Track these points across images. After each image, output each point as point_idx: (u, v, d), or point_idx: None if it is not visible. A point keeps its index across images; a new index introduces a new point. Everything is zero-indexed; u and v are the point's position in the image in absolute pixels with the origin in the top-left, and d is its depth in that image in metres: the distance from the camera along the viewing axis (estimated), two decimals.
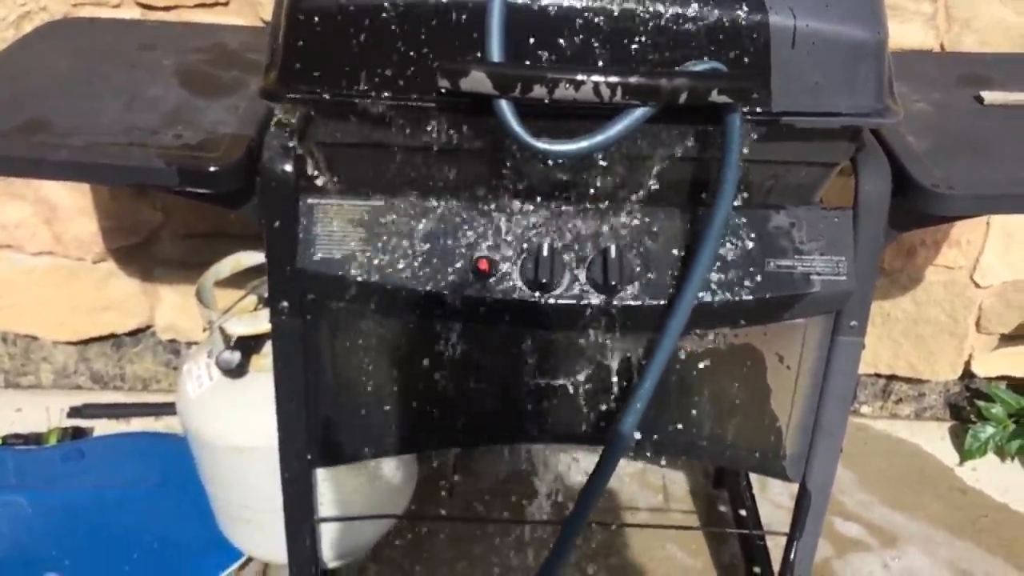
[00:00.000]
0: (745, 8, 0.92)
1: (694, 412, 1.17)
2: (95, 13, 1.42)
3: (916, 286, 1.72)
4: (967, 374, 1.85)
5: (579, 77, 0.87)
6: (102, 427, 1.77)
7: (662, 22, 0.91)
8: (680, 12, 0.91)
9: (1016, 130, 1.14)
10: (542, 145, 0.90)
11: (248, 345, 1.24)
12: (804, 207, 1.07)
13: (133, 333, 1.79)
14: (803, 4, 0.93)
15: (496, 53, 0.89)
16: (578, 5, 0.90)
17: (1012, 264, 1.69)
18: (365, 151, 1.01)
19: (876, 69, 0.97)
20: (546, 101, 0.88)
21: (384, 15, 0.91)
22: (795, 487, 1.22)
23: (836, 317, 1.11)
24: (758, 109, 0.95)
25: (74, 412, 1.78)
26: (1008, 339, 1.79)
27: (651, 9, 0.91)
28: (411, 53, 0.92)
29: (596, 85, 0.87)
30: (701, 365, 1.13)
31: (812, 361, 1.14)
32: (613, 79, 0.88)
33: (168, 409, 1.79)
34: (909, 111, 1.16)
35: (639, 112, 0.90)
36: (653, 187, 1.03)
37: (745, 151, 0.97)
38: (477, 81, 0.88)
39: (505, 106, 0.89)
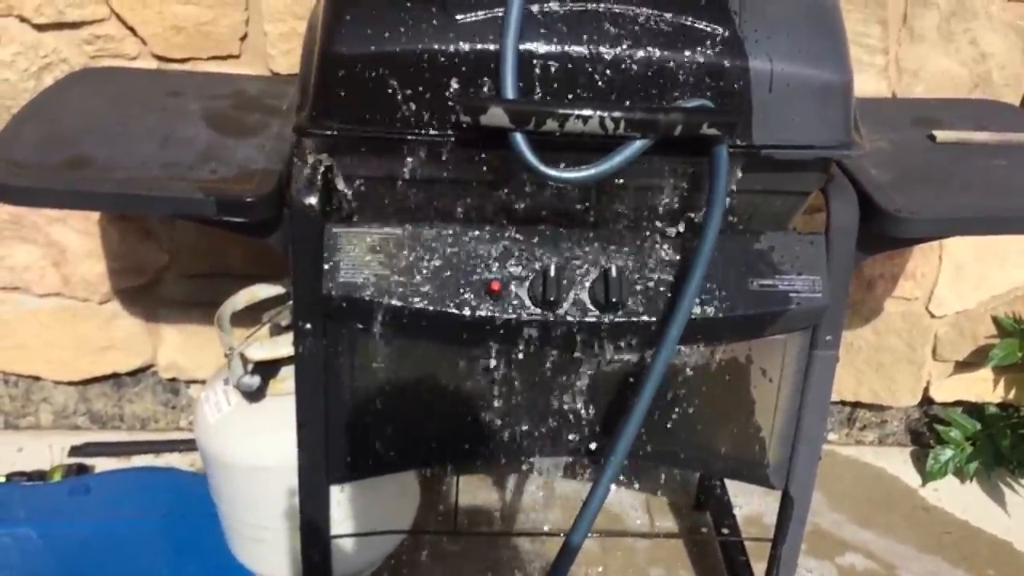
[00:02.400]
0: (728, 54, 1.04)
1: (683, 424, 1.27)
2: (113, 65, 1.51)
3: (876, 317, 1.85)
4: (926, 400, 1.97)
5: (587, 112, 0.99)
6: (103, 465, 1.82)
7: (656, 65, 1.03)
8: (671, 56, 1.03)
9: (966, 163, 1.27)
10: (555, 173, 1.01)
11: (266, 370, 1.32)
12: (781, 232, 1.19)
13: (134, 373, 1.85)
14: (779, 50, 1.06)
15: (510, 92, 1.00)
16: (580, 52, 1.02)
17: (963, 295, 1.83)
18: (386, 183, 1.11)
19: (843, 107, 1.10)
20: (557, 134, 1.00)
21: (407, 60, 1.01)
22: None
23: (813, 333, 1.22)
24: (740, 142, 1.07)
25: (76, 450, 1.83)
26: (963, 366, 1.92)
27: (645, 54, 1.03)
28: (431, 94, 1.03)
29: (602, 119, 0.99)
30: (689, 379, 1.24)
31: (792, 374, 1.25)
32: (617, 114, 0.99)
33: (168, 447, 1.85)
34: (872, 149, 1.30)
35: (639, 143, 1.01)
36: (648, 213, 1.14)
37: (732, 186, 1.09)
38: (495, 116, 0.99)
39: (520, 138, 1.00)
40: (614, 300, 1.12)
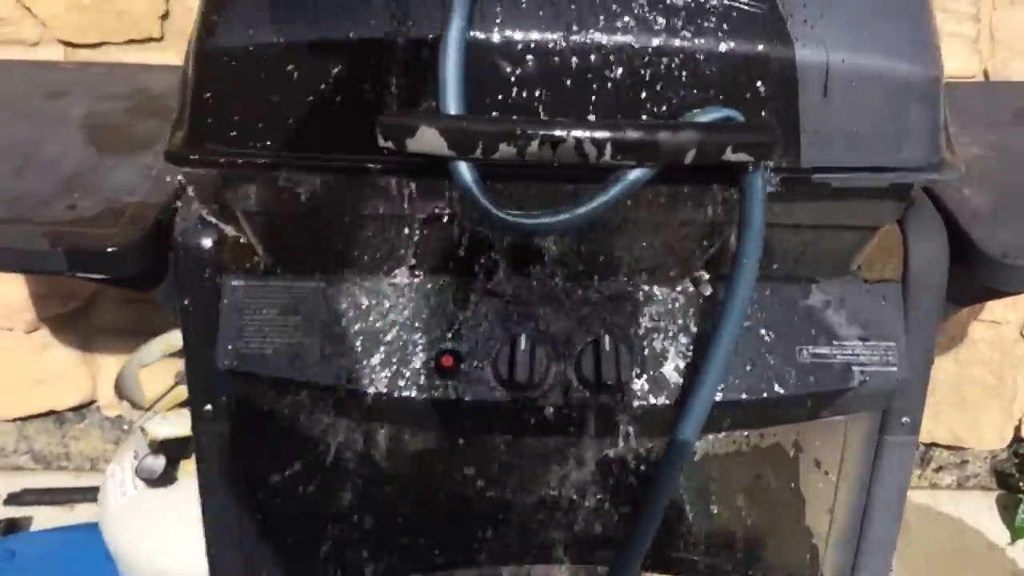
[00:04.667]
0: (766, 39, 0.73)
1: (710, 528, 0.97)
2: (10, 52, 1.24)
3: (958, 344, 1.52)
4: (1017, 440, 1.64)
5: (557, 133, 0.68)
6: (43, 515, 1.57)
7: (662, 59, 0.72)
8: (684, 46, 0.72)
9: None
10: (512, 218, 0.71)
11: (176, 448, 1.05)
12: (841, 280, 0.88)
13: (77, 408, 1.60)
14: (837, 34, 0.74)
15: (453, 103, 0.70)
16: (557, 40, 0.71)
17: None
18: (300, 222, 0.83)
19: (929, 113, 0.78)
20: (517, 163, 0.70)
21: (310, 57, 0.72)
22: None
23: (884, 413, 0.91)
24: (784, 164, 0.76)
25: (12, 499, 1.59)
26: None
27: (648, 42, 0.72)
28: (345, 104, 0.73)
29: (579, 142, 0.68)
30: (717, 472, 0.94)
31: (855, 466, 0.94)
32: (601, 134, 0.68)
33: None
34: (964, 158, 0.97)
35: (635, 175, 0.71)
36: (656, 260, 0.84)
37: (772, 220, 0.79)
38: (428, 141, 0.69)
39: (465, 170, 0.70)
40: (609, 379, 0.82)
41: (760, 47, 0.73)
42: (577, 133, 0.68)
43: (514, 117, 0.71)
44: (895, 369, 0.86)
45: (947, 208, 0.87)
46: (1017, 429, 1.62)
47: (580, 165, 0.69)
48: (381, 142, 0.70)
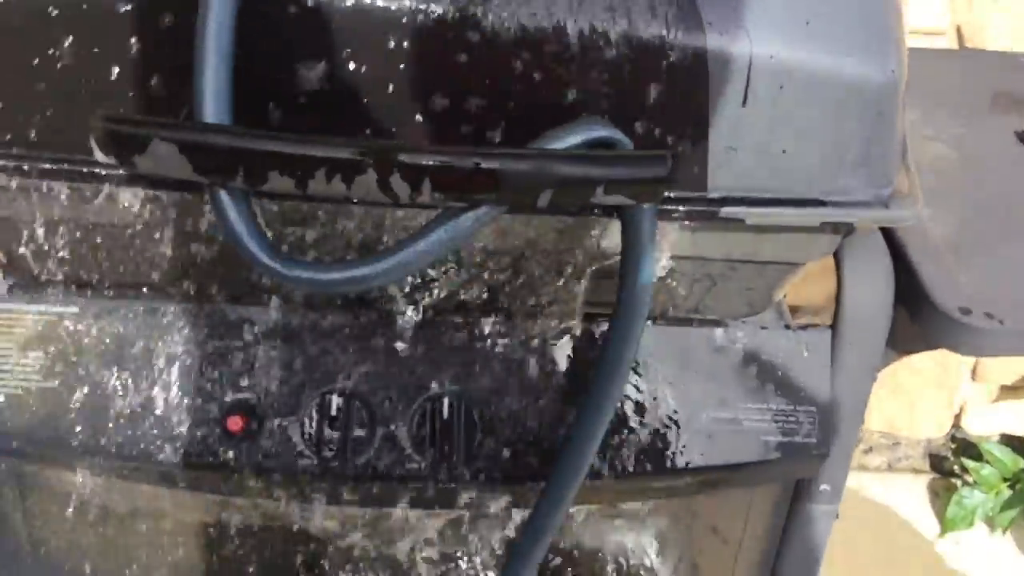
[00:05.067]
0: (665, 23, 0.52)
1: None
2: None
3: None
4: (955, 428, 1.50)
5: (351, 156, 0.47)
6: None
7: (521, 48, 0.51)
8: (552, 27, 0.51)
9: None
10: (287, 271, 0.51)
11: None
12: (757, 327, 0.69)
13: None
14: (767, 21, 0.54)
15: (210, 107, 0.49)
16: (382, 7, 0.50)
17: None
18: (36, 226, 0.61)
19: (883, 128, 0.58)
20: (297, 196, 0.49)
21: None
22: None
23: (800, 480, 0.74)
24: (685, 196, 0.56)
25: None
26: (1010, 390, 1.44)
27: (503, 24, 0.51)
28: (71, 92, 0.51)
29: (384, 174, 0.47)
30: (591, 542, 0.76)
31: (761, 532, 0.77)
32: (415, 161, 0.48)
33: None
34: (920, 157, 0.78)
35: (468, 219, 0.50)
36: (509, 298, 0.64)
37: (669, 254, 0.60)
38: (164, 160, 0.48)
39: (227, 201, 0.49)
40: (447, 448, 0.64)
41: (659, 32, 0.52)
42: (382, 160, 0.47)
43: (292, 133, 0.49)
44: (814, 441, 0.68)
45: (896, 238, 0.68)
46: (957, 418, 1.48)
47: (389, 205, 0.49)
48: (100, 155, 0.49)
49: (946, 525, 1.46)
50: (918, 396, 1.42)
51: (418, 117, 0.51)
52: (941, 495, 1.52)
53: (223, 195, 0.49)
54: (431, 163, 0.48)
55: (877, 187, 0.58)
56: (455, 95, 0.51)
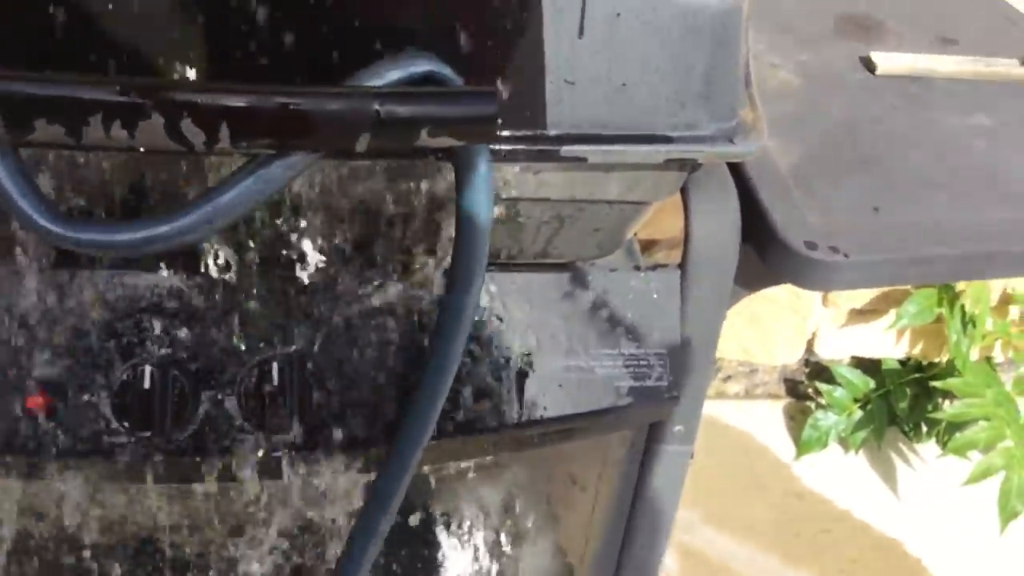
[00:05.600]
0: None
1: (444, 557, 0.78)
2: None
3: None
4: (808, 352, 1.53)
5: (131, 100, 0.41)
6: None
7: None
8: None
9: (924, 122, 0.75)
10: (71, 233, 0.44)
11: None
12: (606, 270, 0.66)
13: None
14: None
15: None
16: None
17: None
18: None
19: (725, 57, 0.55)
20: (72, 145, 0.42)
21: None
22: None
23: (653, 424, 0.72)
24: (522, 135, 0.52)
25: None
26: (859, 314, 1.47)
27: None
28: None
29: (173, 118, 0.42)
30: (448, 495, 0.73)
31: (617, 479, 0.75)
32: (210, 102, 0.42)
33: None
34: (766, 87, 0.76)
35: (276, 169, 0.45)
36: (347, 251, 0.59)
37: (507, 194, 0.56)
38: None
39: None
40: (279, 420, 0.59)
41: None
42: (168, 101, 0.42)
43: (64, 74, 0.43)
44: (666, 383, 0.66)
45: (743, 172, 0.66)
46: (810, 343, 1.51)
47: (185, 153, 0.43)
48: None
49: (801, 448, 1.50)
50: (773, 324, 1.45)
51: (211, 52, 0.45)
52: (797, 419, 1.56)
53: None
54: (228, 104, 0.42)
55: (721, 120, 0.56)
56: (257, 24, 0.45)
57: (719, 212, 0.65)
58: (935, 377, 1.44)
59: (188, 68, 0.45)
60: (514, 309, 0.64)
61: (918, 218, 0.66)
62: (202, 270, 0.59)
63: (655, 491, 0.75)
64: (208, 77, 0.46)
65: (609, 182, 0.59)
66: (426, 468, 0.71)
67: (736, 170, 0.66)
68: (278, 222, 0.57)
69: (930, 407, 1.48)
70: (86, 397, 0.58)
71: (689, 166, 0.60)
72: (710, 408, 1.56)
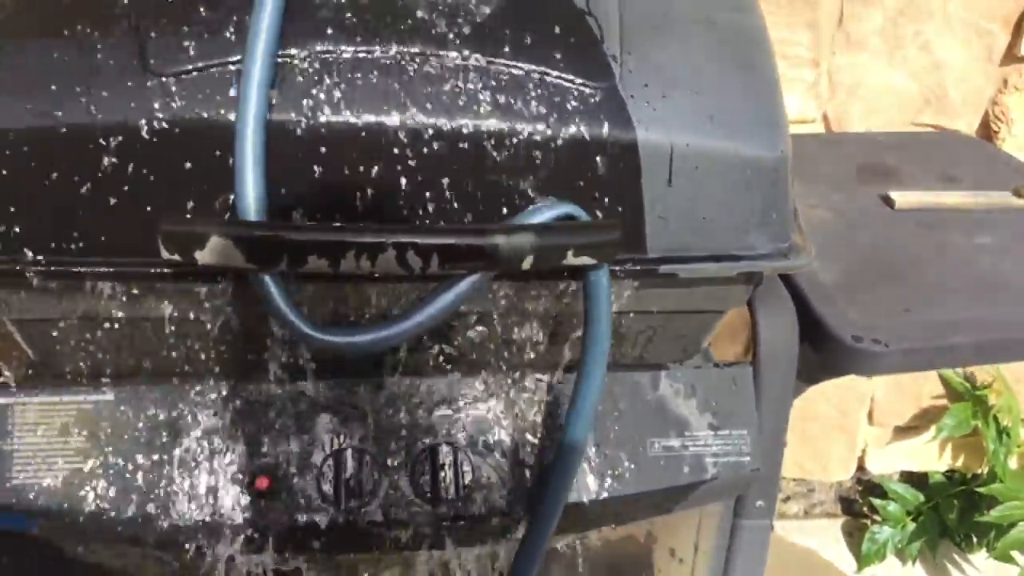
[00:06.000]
0: (605, 124, 0.66)
1: None
2: None
3: None
4: (860, 470, 1.66)
5: (375, 241, 0.59)
6: None
7: (494, 144, 0.64)
8: (516, 132, 0.65)
9: (938, 244, 0.92)
10: (326, 337, 0.62)
11: None
12: (692, 367, 0.82)
13: None
14: (680, 116, 0.68)
15: (252, 206, 0.60)
16: (376, 124, 0.62)
17: None
18: (76, 327, 0.71)
19: (777, 195, 0.73)
20: (330, 273, 0.60)
21: (69, 143, 0.61)
22: None
23: (738, 499, 0.87)
24: (630, 256, 0.70)
25: None
26: (903, 431, 1.61)
27: (479, 126, 0.64)
28: (118, 198, 0.62)
29: (401, 252, 0.60)
30: (568, 570, 0.87)
31: (710, 552, 0.89)
32: (427, 242, 0.60)
33: None
34: (809, 221, 0.94)
35: (465, 284, 0.63)
36: (497, 356, 0.76)
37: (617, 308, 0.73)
38: (222, 253, 0.59)
39: (270, 283, 0.61)
40: (447, 492, 0.74)
41: (600, 132, 0.66)
42: (399, 241, 0.60)
43: (324, 225, 0.61)
44: (748, 459, 0.81)
45: (796, 286, 0.83)
46: (860, 460, 1.64)
47: (404, 276, 0.61)
48: (165, 253, 0.60)
49: (863, 561, 1.60)
50: (825, 443, 1.58)
51: (421, 211, 0.64)
52: (855, 534, 1.67)
53: (268, 280, 0.61)
54: (437, 241, 0.60)
55: (777, 242, 0.73)
56: (451, 179, 0.64)
57: (780, 317, 0.81)
58: (979, 485, 1.56)
59: (401, 216, 0.64)
60: (620, 401, 0.80)
61: (941, 316, 0.82)
62: (377, 377, 0.76)
63: (743, 560, 0.88)
64: (415, 223, 0.64)
65: (692, 296, 0.76)
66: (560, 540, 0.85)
67: (789, 284, 0.84)
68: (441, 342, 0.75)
69: (977, 515, 1.58)
70: (294, 481, 0.74)
71: (755, 280, 0.77)
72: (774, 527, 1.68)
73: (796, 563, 1.64)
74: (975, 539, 1.61)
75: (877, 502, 1.61)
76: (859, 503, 1.71)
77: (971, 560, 1.63)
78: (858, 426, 1.57)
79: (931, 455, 1.62)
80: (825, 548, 1.67)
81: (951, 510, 1.59)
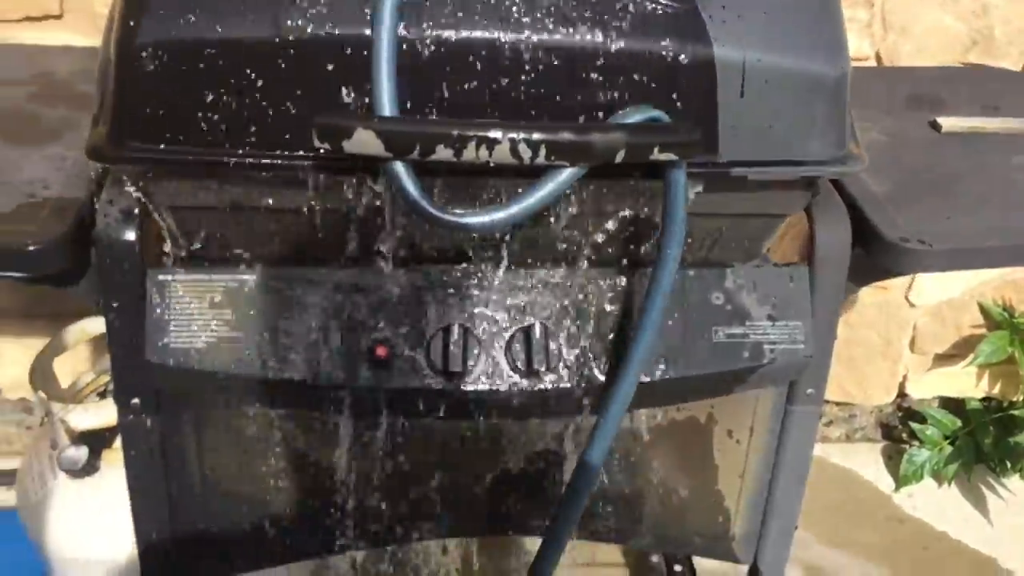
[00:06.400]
0: (686, 41, 0.76)
1: (632, 497, 1.02)
2: None
3: (849, 308, 1.61)
4: (900, 396, 1.75)
5: (493, 135, 0.70)
6: None
7: (586, 61, 0.74)
8: (608, 47, 0.74)
9: (980, 163, 1.01)
10: (451, 218, 0.73)
11: (98, 437, 1.04)
12: (753, 265, 0.92)
13: None
14: (753, 35, 0.78)
15: (387, 105, 0.71)
16: (487, 39, 0.73)
17: (946, 282, 1.59)
18: (227, 215, 0.82)
19: (837, 109, 0.82)
20: (453, 163, 0.71)
21: (240, 54, 0.72)
22: None
23: (790, 386, 0.97)
24: (704, 160, 0.80)
25: None
26: (943, 358, 1.70)
27: (575, 42, 0.74)
28: (276, 101, 0.73)
29: (514, 144, 0.70)
30: (638, 446, 0.98)
31: (764, 434, 1.00)
32: (536, 136, 0.70)
33: None
34: (863, 143, 1.03)
35: (566, 174, 0.73)
36: (579, 251, 0.87)
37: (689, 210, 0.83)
38: (365, 143, 0.70)
39: (402, 170, 0.72)
40: (538, 365, 0.86)
41: (682, 47, 0.76)
42: (513, 135, 0.70)
43: (450, 119, 0.72)
44: (802, 347, 0.91)
45: (850, 195, 0.93)
46: (901, 386, 1.73)
47: (513, 165, 0.71)
48: (317, 143, 0.71)
49: (900, 481, 1.70)
50: (868, 368, 1.67)
51: (524, 100, 0.74)
52: (894, 458, 1.76)
53: (399, 166, 0.71)
54: (546, 136, 0.71)
55: (836, 149, 0.83)
56: (551, 88, 0.74)
57: (835, 221, 0.91)
58: (1014, 410, 1.65)
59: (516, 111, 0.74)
60: (690, 294, 0.90)
61: (979, 223, 0.92)
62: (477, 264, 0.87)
63: (793, 443, 0.99)
64: (538, 122, 0.74)
65: (757, 199, 0.86)
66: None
67: (844, 194, 0.93)
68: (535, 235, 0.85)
69: (1012, 441, 1.67)
70: (406, 351, 0.85)
71: (814, 187, 0.87)
72: (816, 450, 1.78)
73: (837, 481, 1.74)
74: (1009, 464, 1.70)
75: (916, 426, 1.70)
76: (898, 429, 1.80)
77: (1005, 483, 1.73)
78: (901, 353, 1.66)
79: (969, 383, 1.71)
80: (865, 470, 1.77)
81: (987, 435, 1.68)
